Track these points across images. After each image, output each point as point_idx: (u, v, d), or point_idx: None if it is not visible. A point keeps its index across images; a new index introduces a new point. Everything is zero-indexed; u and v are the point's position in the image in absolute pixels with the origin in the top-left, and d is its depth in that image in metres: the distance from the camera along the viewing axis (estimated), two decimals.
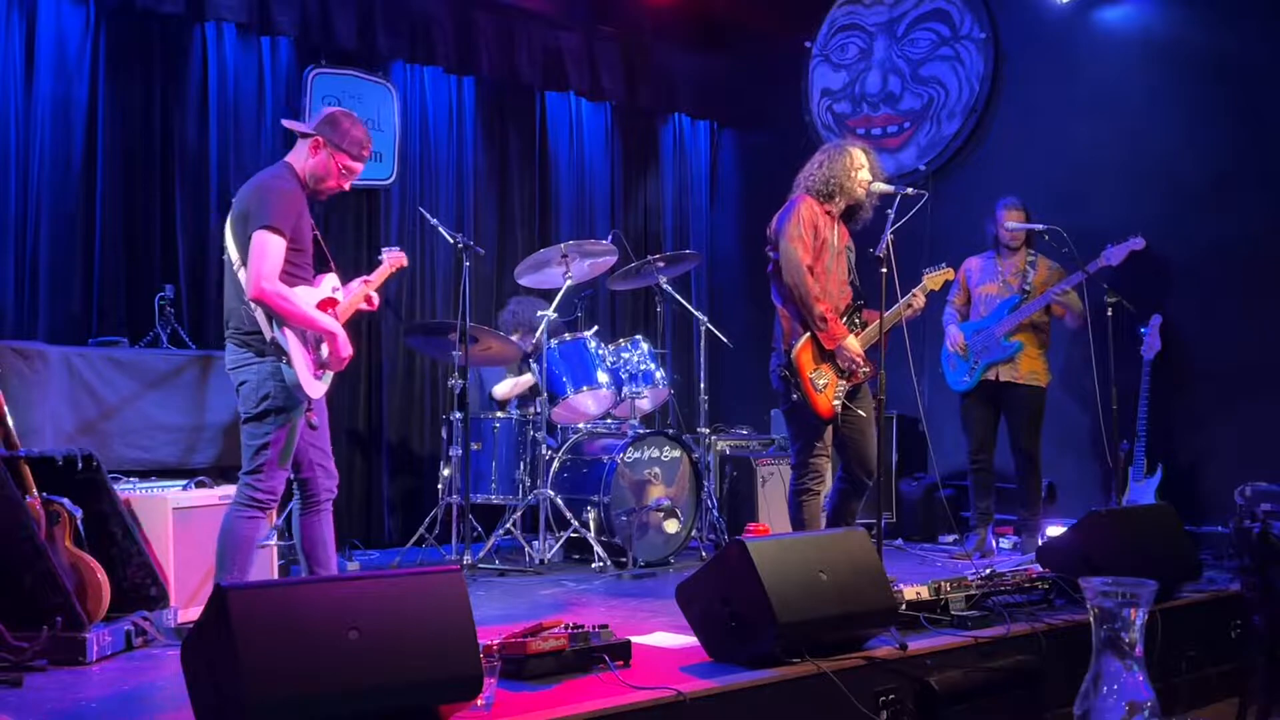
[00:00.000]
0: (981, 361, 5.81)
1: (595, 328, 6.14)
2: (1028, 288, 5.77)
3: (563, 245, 5.85)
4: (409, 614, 2.66)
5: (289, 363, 3.66)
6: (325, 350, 3.81)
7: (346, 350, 3.81)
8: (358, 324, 6.56)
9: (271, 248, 3.61)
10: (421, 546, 5.80)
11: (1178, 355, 5.89)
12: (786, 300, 4.55)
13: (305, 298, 3.76)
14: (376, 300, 4.17)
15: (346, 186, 3.96)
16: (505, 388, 6.33)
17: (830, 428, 4.55)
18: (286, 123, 4.11)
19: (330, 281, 3.93)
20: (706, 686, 3.08)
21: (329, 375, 3.85)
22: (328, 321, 3.78)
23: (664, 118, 8.16)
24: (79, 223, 5.65)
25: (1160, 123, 6.10)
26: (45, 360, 4.68)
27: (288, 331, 3.67)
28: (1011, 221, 5.80)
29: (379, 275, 4.16)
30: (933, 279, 4.79)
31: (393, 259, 4.24)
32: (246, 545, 3.74)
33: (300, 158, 3.89)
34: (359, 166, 3.92)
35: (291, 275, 3.73)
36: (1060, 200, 6.19)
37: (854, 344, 4.48)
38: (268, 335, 3.68)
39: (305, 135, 3.88)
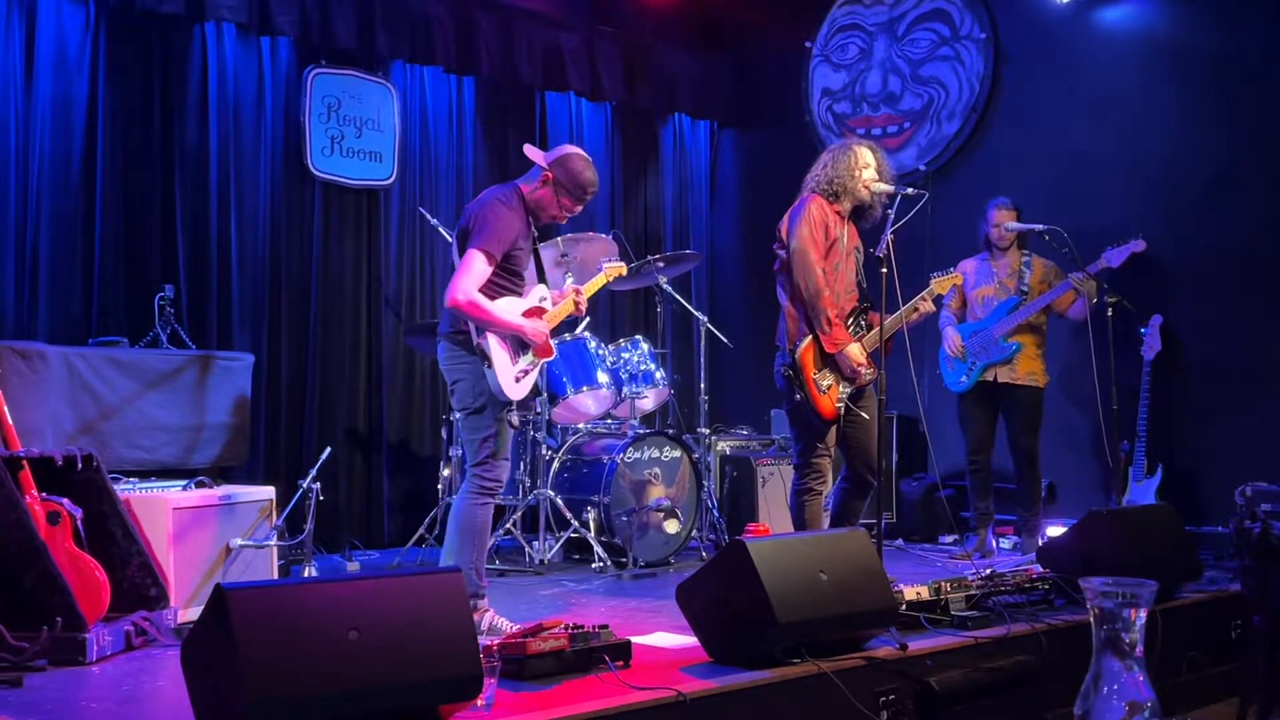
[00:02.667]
0: (979, 362, 5.81)
1: (587, 320, 6.14)
2: (1025, 289, 5.77)
3: (559, 240, 5.84)
4: (409, 614, 2.66)
5: (490, 366, 4.00)
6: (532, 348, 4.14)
7: (539, 338, 4.14)
8: (358, 324, 6.58)
9: (477, 266, 3.97)
10: (421, 546, 5.81)
11: (1178, 355, 5.89)
12: (794, 300, 4.55)
13: (507, 307, 4.08)
14: (584, 305, 4.45)
15: (563, 220, 4.31)
16: None
17: (833, 428, 4.55)
18: (529, 150, 4.38)
19: (539, 292, 4.27)
20: (706, 686, 3.08)
21: (530, 380, 4.16)
22: (516, 320, 4.08)
23: (664, 118, 8.16)
24: (79, 223, 5.64)
25: (1160, 123, 6.10)
26: (45, 360, 4.67)
27: (490, 338, 4.02)
28: (1009, 222, 5.80)
29: (592, 284, 4.53)
30: (940, 283, 4.79)
31: (610, 269, 4.65)
32: (483, 530, 4.06)
33: (531, 186, 4.21)
34: (578, 208, 4.27)
35: (499, 288, 4.08)
36: (1060, 200, 6.19)
37: (856, 351, 4.46)
38: (474, 340, 4.04)
39: (541, 169, 4.18)
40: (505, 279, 4.11)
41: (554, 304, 4.30)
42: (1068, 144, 6.42)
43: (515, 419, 4.12)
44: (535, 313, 4.20)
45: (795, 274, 4.47)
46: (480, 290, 4.00)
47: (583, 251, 5.91)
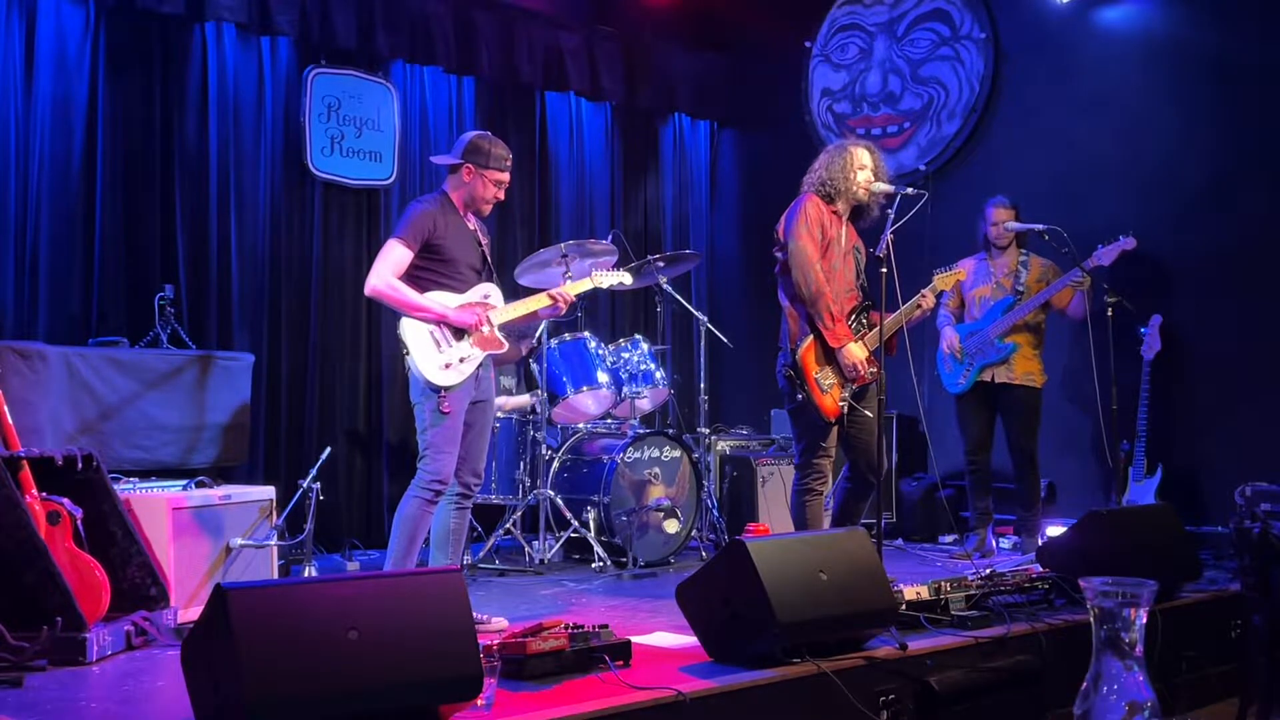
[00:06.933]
0: (976, 363, 5.81)
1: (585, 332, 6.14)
2: (1021, 288, 5.76)
3: (562, 245, 5.84)
4: (409, 614, 2.66)
5: (408, 352, 4.07)
6: (469, 337, 4.14)
7: (469, 320, 4.11)
8: (358, 324, 6.58)
9: (392, 254, 4.08)
10: (426, 546, 5.79)
11: (1178, 355, 5.89)
12: (794, 300, 4.55)
13: (438, 297, 4.13)
14: (565, 304, 4.38)
15: (502, 195, 4.31)
16: (499, 400, 6.30)
17: (835, 428, 4.55)
18: (436, 159, 4.52)
19: (483, 289, 4.28)
20: (706, 686, 3.08)
21: (469, 366, 4.13)
22: (438, 307, 4.10)
23: (664, 118, 8.16)
24: (79, 223, 5.64)
25: (1160, 123, 6.10)
26: (45, 360, 4.67)
27: (406, 324, 4.08)
28: (1009, 221, 5.79)
29: (577, 286, 4.48)
30: (943, 279, 4.81)
31: (599, 278, 4.55)
32: (412, 526, 4.15)
33: (455, 185, 4.27)
34: (507, 176, 4.28)
35: (430, 281, 4.14)
36: (1060, 200, 6.19)
37: (856, 349, 4.46)
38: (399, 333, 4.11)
39: (456, 167, 4.23)
40: (437, 272, 4.16)
41: (511, 301, 4.32)
42: (1067, 144, 6.41)
43: (445, 408, 4.09)
44: (477, 307, 4.20)
45: (794, 273, 4.48)
46: (406, 280, 4.09)
47: (584, 255, 5.91)
